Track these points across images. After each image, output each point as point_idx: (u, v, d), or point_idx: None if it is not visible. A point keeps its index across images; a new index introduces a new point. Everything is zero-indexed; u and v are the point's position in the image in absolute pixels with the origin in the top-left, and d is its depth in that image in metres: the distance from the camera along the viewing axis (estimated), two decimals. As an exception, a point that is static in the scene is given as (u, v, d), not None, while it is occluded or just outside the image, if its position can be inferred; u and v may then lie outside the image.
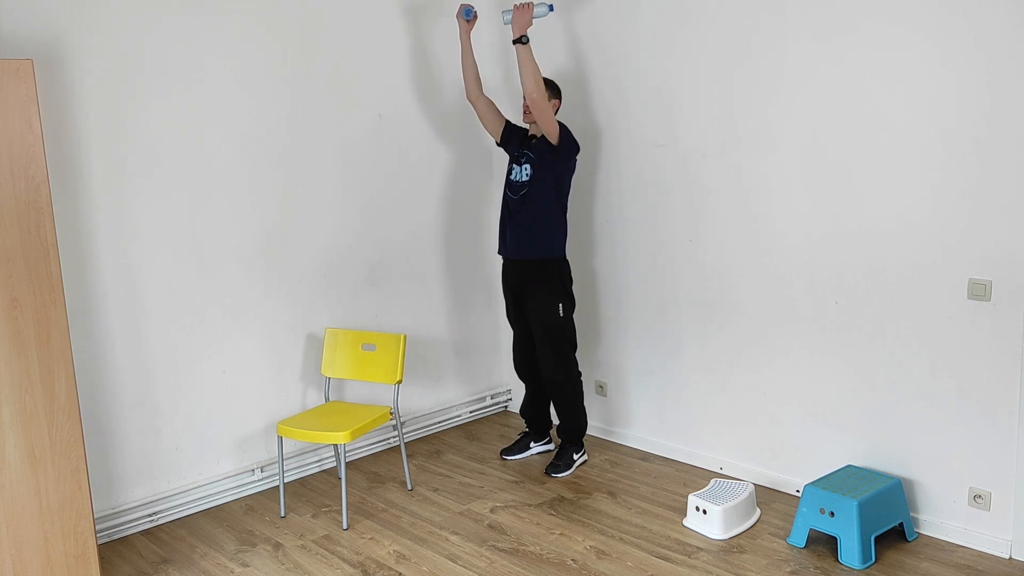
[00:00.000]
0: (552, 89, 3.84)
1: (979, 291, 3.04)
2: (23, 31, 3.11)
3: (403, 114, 4.29)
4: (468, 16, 3.88)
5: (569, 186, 3.89)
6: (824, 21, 3.29)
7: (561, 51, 4.26)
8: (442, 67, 4.43)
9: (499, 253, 4.03)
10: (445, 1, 4.40)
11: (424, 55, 4.35)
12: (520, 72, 3.66)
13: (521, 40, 3.62)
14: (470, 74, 3.97)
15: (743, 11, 3.53)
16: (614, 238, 4.19)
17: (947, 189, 3.07)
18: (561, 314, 3.89)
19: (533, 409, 4.24)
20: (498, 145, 4.09)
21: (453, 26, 4.44)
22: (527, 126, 4.01)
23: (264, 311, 3.87)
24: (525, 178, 3.84)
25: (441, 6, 4.39)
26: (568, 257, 4.00)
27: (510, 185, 3.93)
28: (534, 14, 3.64)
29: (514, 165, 3.93)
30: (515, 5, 3.67)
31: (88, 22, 3.25)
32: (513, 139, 4.00)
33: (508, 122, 4.04)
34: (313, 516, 3.65)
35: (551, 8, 3.68)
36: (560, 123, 3.77)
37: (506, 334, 4.83)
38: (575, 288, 4.10)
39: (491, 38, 4.59)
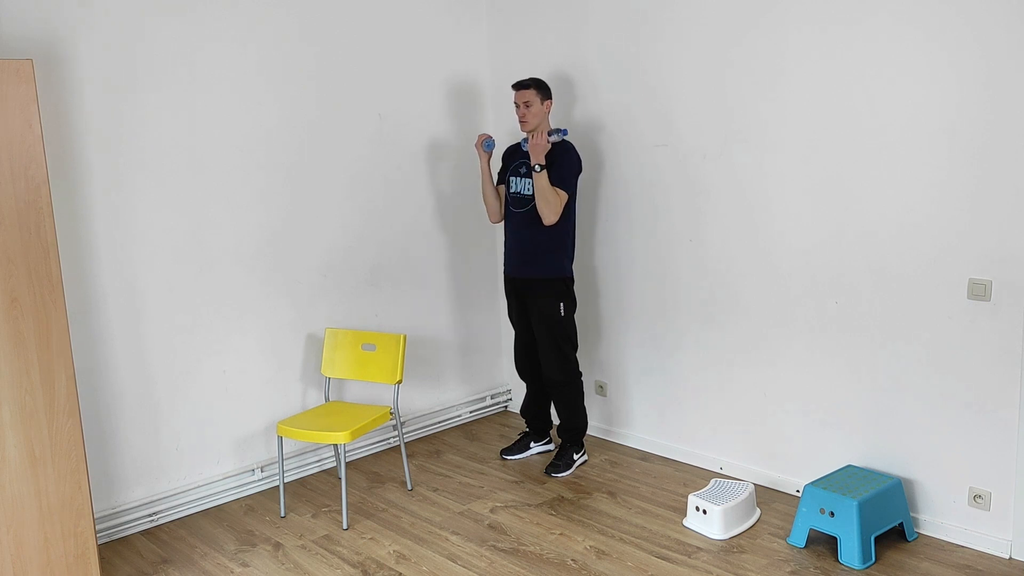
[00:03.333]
0: (544, 91, 3.82)
1: (979, 291, 3.04)
2: (23, 31, 3.11)
3: (403, 113, 4.29)
4: (489, 148, 3.95)
5: (575, 203, 3.87)
6: (825, 20, 3.29)
7: (561, 51, 4.26)
8: (442, 66, 4.43)
9: (504, 271, 4.03)
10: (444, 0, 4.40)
11: (424, 54, 4.35)
12: (536, 197, 3.72)
13: (537, 168, 3.69)
14: (493, 203, 4.02)
15: (744, 10, 3.53)
16: (614, 238, 4.19)
17: (947, 189, 3.07)
18: (562, 313, 3.89)
19: (534, 409, 4.24)
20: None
21: (453, 24, 4.44)
22: (523, 135, 4.00)
23: (264, 311, 3.87)
24: (527, 192, 3.84)
25: (441, 4, 4.39)
26: (573, 267, 3.99)
27: (512, 198, 3.93)
28: (550, 139, 3.73)
29: (513, 177, 3.93)
30: (530, 135, 3.74)
31: (88, 22, 3.25)
32: (509, 161, 4.01)
33: (501, 170, 4.05)
34: (313, 516, 3.65)
35: (565, 132, 3.79)
36: (569, 146, 3.79)
37: (506, 334, 4.84)
38: (576, 288, 4.10)
39: (482, 37, 4.60)
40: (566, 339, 3.93)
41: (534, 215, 3.82)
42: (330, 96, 4.00)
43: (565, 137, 3.76)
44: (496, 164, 4.28)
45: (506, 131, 4.60)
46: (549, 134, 3.71)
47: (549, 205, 3.71)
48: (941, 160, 3.07)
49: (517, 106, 3.82)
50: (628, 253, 4.15)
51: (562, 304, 3.89)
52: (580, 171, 3.84)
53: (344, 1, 4.00)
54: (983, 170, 2.98)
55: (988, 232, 2.99)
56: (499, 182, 4.06)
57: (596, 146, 4.18)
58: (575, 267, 4.24)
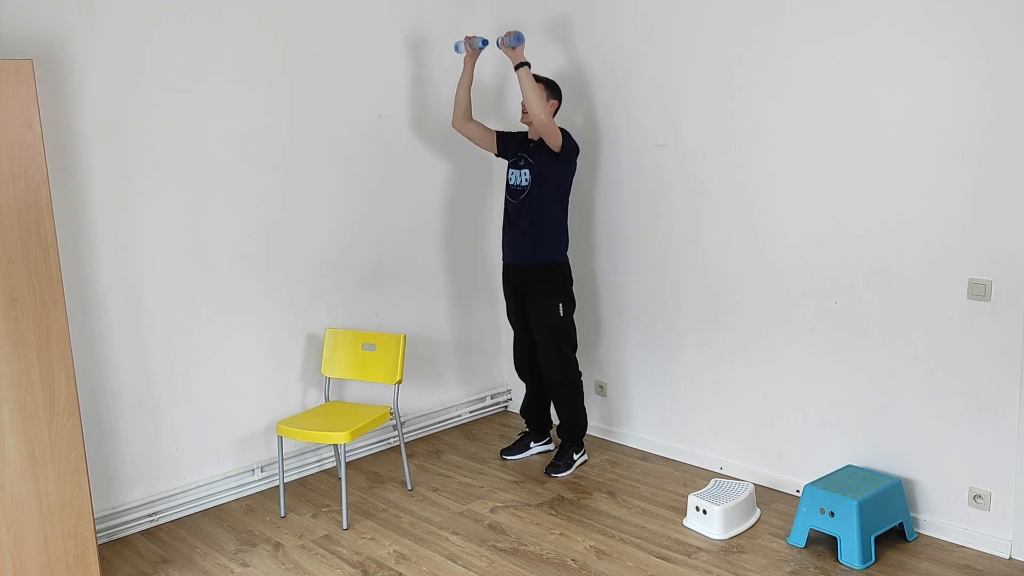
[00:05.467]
0: (552, 89, 3.85)
1: (979, 291, 3.04)
2: (23, 31, 3.11)
3: (403, 114, 4.29)
4: (461, 48, 3.89)
5: (570, 189, 3.90)
6: (825, 21, 3.29)
7: (562, 51, 4.26)
8: (443, 66, 4.43)
9: (503, 258, 4.04)
10: (445, 0, 4.40)
11: (425, 54, 4.35)
12: (524, 96, 3.68)
13: (525, 64, 3.68)
14: (462, 104, 3.97)
15: (744, 11, 3.53)
16: (614, 238, 4.20)
17: (947, 189, 3.07)
18: (561, 314, 3.90)
19: (534, 409, 4.24)
20: (498, 156, 4.09)
21: (454, 23, 4.44)
22: (525, 128, 4.01)
23: (264, 311, 3.87)
24: (525, 183, 3.85)
25: (441, 3, 4.39)
26: (568, 257, 4.00)
27: (510, 190, 3.94)
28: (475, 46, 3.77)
29: (512, 170, 3.93)
30: (511, 34, 3.71)
31: (88, 22, 3.25)
32: (510, 144, 4.00)
33: (499, 133, 4.04)
34: (313, 516, 3.65)
35: (485, 42, 3.85)
36: (562, 130, 3.78)
37: (506, 334, 4.83)
38: (575, 288, 4.10)
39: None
40: (566, 339, 3.93)
41: (529, 203, 3.82)
42: (330, 96, 4.00)
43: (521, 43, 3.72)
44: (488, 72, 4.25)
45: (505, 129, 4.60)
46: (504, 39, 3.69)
47: (538, 98, 3.65)
48: (941, 160, 3.07)
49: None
50: (628, 253, 4.15)
51: (561, 305, 3.89)
52: (578, 152, 3.85)
53: (345, 1, 4.00)
54: (983, 170, 2.98)
55: (988, 232, 2.99)
56: (499, 149, 4.03)
57: (596, 146, 4.18)
58: (574, 267, 4.24)
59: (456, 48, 3.89)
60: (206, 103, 3.59)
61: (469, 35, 3.90)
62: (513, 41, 3.68)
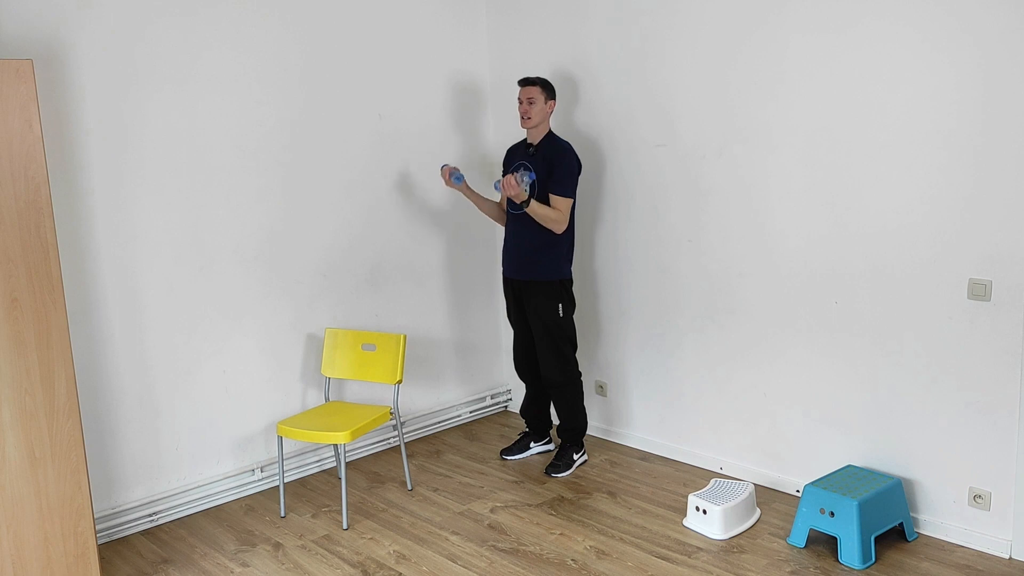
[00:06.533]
0: (549, 91, 3.83)
1: (979, 291, 3.04)
2: (23, 31, 3.11)
3: (403, 114, 4.29)
4: (458, 181, 3.90)
5: (574, 203, 3.87)
6: (824, 20, 3.29)
7: (561, 50, 4.26)
8: (442, 66, 4.43)
9: (503, 272, 4.04)
10: (447, 0, 4.40)
11: (424, 53, 4.35)
12: (538, 220, 3.76)
13: (524, 205, 3.72)
14: (494, 215, 4.08)
15: (742, 10, 3.53)
16: (614, 238, 4.20)
17: (947, 189, 3.07)
18: (561, 314, 3.89)
19: (533, 409, 4.24)
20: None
21: (456, 23, 4.44)
22: (524, 133, 4.01)
23: (264, 311, 3.87)
24: (525, 192, 3.83)
25: (440, 4, 4.39)
26: (571, 272, 3.98)
27: (509, 200, 3.93)
28: (522, 183, 3.70)
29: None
30: (500, 183, 3.70)
31: (88, 22, 3.25)
32: (508, 161, 4.02)
33: (504, 169, 4.05)
34: (313, 516, 3.65)
35: (532, 176, 3.78)
36: (569, 148, 3.79)
37: (506, 334, 4.84)
38: (575, 288, 4.10)
39: (484, 37, 4.60)
40: (565, 340, 3.93)
41: (531, 217, 3.81)
42: (330, 96, 4.00)
43: (533, 180, 3.75)
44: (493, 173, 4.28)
45: (506, 132, 4.60)
46: (518, 181, 3.67)
47: (552, 223, 3.75)
48: (941, 160, 3.07)
49: (520, 102, 3.82)
50: (628, 253, 4.15)
51: (560, 305, 3.89)
52: (579, 172, 3.85)
53: (344, 1, 4.00)
54: (982, 170, 2.98)
55: (988, 232, 2.99)
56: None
57: (596, 146, 4.19)
58: (574, 268, 4.24)
59: (495, 187, 3.80)
60: (206, 103, 3.59)
61: (445, 167, 3.89)
62: (496, 187, 3.75)
